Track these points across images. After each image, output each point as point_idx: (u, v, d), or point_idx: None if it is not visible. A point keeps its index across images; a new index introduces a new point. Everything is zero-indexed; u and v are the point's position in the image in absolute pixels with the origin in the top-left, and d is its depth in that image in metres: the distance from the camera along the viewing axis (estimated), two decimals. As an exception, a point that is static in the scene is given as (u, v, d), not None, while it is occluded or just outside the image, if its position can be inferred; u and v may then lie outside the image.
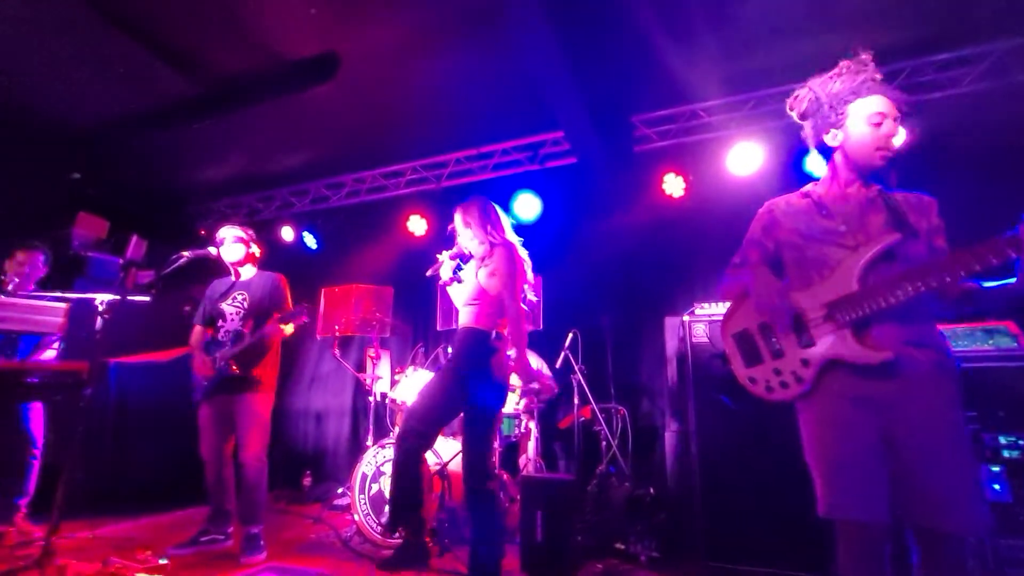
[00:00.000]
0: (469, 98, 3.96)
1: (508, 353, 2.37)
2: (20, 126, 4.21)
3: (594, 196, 4.65)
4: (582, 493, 3.33)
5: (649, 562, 2.92)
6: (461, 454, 2.27)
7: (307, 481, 4.79)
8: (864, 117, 1.50)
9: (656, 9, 3.06)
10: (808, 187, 1.69)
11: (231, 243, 3.19)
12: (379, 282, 4.84)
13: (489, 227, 2.47)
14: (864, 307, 1.40)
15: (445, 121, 4.30)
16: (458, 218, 2.54)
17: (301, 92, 3.66)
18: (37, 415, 3.20)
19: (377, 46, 3.41)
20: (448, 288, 2.61)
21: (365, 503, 3.18)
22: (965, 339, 2.48)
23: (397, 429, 3.59)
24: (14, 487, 3.09)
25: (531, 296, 2.57)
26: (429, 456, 3.04)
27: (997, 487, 2.28)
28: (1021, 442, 2.32)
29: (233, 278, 3.26)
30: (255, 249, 3.29)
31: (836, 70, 1.56)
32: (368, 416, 4.01)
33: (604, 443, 3.61)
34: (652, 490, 3.16)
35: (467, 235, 2.50)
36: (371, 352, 4.12)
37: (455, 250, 2.55)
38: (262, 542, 2.93)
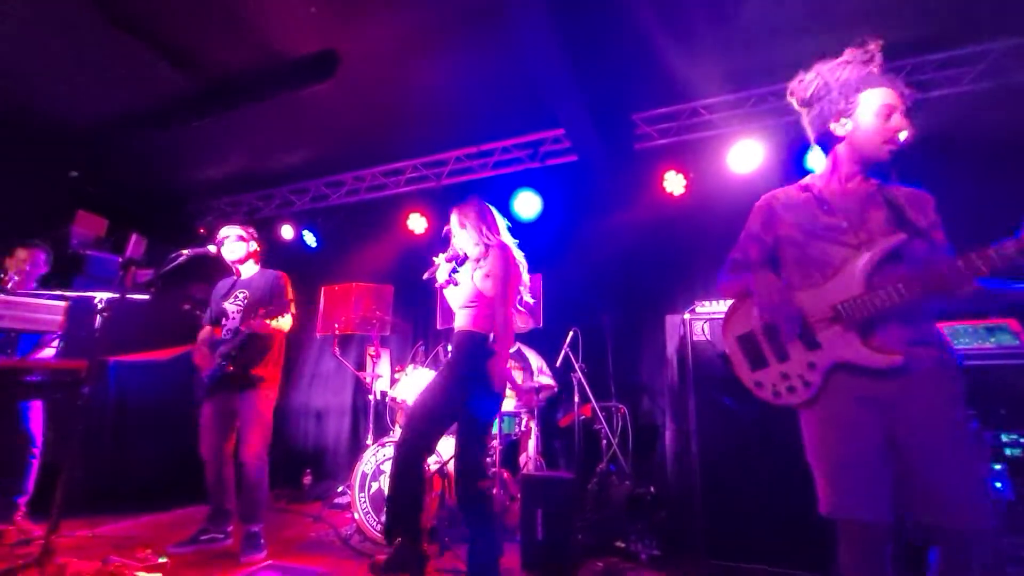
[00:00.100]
0: (469, 96, 3.95)
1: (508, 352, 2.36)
2: (20, 125, 4.20)
3: (594, 194, 4.65)
4: (582, 491, 3.33)
5: (650, 560, 2.92)
6: (454, 455, 2.26)
7: (307, 480, 4.79)
8: (874, 108, 1.48)
9: (656, 7, 3.05)
10: (807, 179, 1.65)
11: (232, 242, 3.19)
12: (379, 280, 4.84)
13: (484, 228, 2.46)
14: (872, 310, 1.39)
15: (445, 119, 4.30)
16: (454, 219, 2.53)
17: (301, 90, 3.65)
18: (36, 414, 3.19)
19: (377, 44, 3.41)
20: (444, 291, 2.59)
21: (365, 501, 3.18)
22: (967, 337, 2.47)
23: (397, 428, 3.59)
24: (13, 486, 3.09)
25: (527, 297, 2.55)
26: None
27: (999, 485, 2.28)
28: (1023, 440, 2.32)
29: (236, 277, 3.28)
30: (256, 247, 3.29)
31: (844, 57, 1.54)
32: (368, 415, 4.01)
33: (604, 441, 3.61)
34: (652, 488, 3.16)
35: (463, 236, 2.49)
36: (371, 350, 4.11)
37: (451, 252, 2.54)
38: (262, 541, 2.92)
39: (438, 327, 4.96)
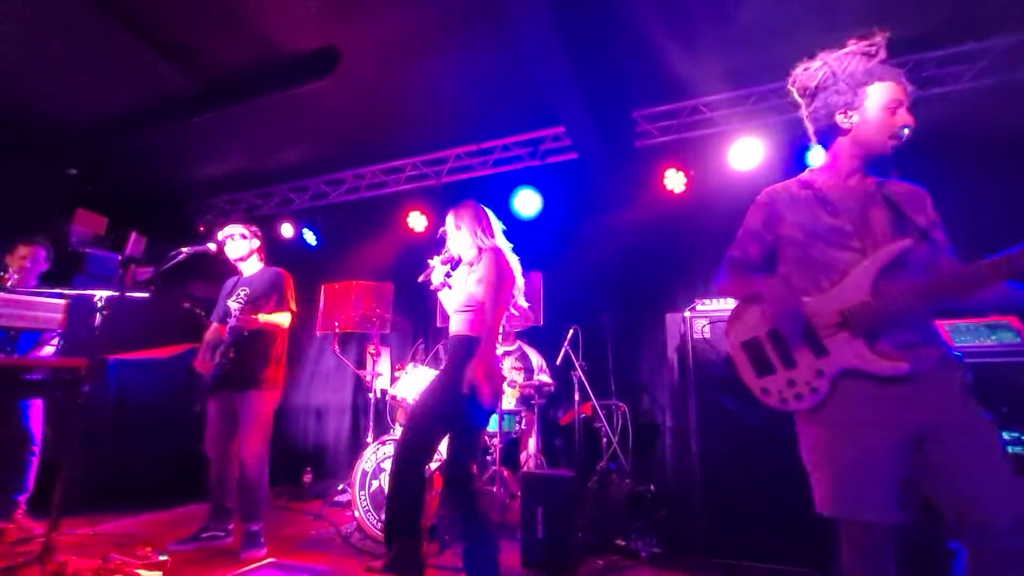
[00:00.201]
0: (469, 94, 3.94)
1: (499, 352, 2.34)
2: (20, 124, 4.19)
3: (595, 192, 4.64)
4: (583, 489, 3.33)
5: (650, 558, 2.93)
6: (445, 459, 2.26)
7: (307, 478, 4.80)
8: (881, 102, 1.46)
9: (657, 4, 3.04)
10: (806, 175, 1.63)
11: (233, 240, 3.21)
12: (379, 278, 4.83)
13: (479, 231, 2.45)
14: (881, 317, 1.38)
15: (445, 117, 4.28)
16: (450, 221, 2.53)
17: (301, 87, 3.65)
18: (36, 412, 3.20)
19: (377, 42, 3.40)
20: (439, 294, 2.59)
21: (365, 500, 3.18)
22: (968, 334, 2.47)
23: (398, 426, 3.59)
24: (13, 483, 3.10)
25: (521, 301, 2.55)
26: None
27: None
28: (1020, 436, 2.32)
29: (240, 275, 3.30)
30: (259, 244, 3.30)
31: (849, 48, 1.52)
32: (368, 413, 4.01)
33: (605, 440, 3.61)
34: (653, 487, 3.16)
35: (457, 238, 2.49)
36: (371, 348, 4.11)
37: (446, 254, 2.53)
38: (262, 539, 2.93)
39: (438, 325, 4.96)
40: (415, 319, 5.24)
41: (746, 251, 1.66)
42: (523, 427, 3.76)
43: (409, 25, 3.25)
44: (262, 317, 3.00)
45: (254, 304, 3.08)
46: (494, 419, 3.53)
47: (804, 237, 1.53)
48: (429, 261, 2.55)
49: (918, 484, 1.36)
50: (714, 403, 2.82)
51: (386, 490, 3.08)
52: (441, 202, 4.85)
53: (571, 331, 3.74)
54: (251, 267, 3.29)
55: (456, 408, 2.19)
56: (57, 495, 2.14)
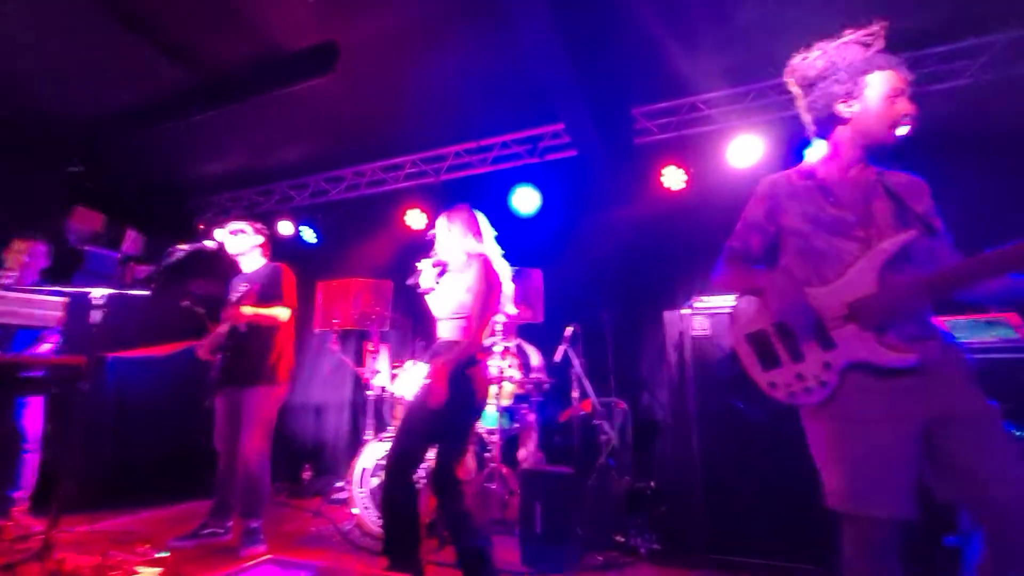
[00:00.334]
0: (468, 91, 3.94)
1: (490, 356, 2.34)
2: (20, 122, 4.19)
3: (594, 189, 4.63)
4: (582, 486, 3.33)
5: (649, 554, 2.93)
6: (434, 465, 2.26)
7: (307, 475, 4.80)
8: (882, 91, 1.46)
9: (656, 1, 3.03)
10: (806, 165, 1.62)
11: (231, 236, 3.21)
12: (378, 276, 4.82)
13: (470, 237, 2.45)
14: (889, 309, 1.37)
15: (444, 114, 4.28)
16: (441, 224, 2.52)
17: (301, 84, 3.64)
18: (35, 410, 3.18)
19: (376, 38, 3.40)
20: (427, 297, 2.58)
21: (364, 497, 3.18)
22: (966, 330, 2.46)
23: (396, 423, 3.59)
24: (5, 480, 3.08)
25: (509, 308, 2.55)
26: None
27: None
28: (1020, 434, 2.32)
29: (243, 271, 3.30)
30: (261, 240, 3.30)
31: (847, 38, 1.51)
32: (367, 410, 4.01)
33: (604, 436, 3.60)
34: (652, 483, 3.16)
35: (447, 243, 2.49)
36: (370, 346, 4.11)
37: (436, 257, 2.53)
38: (262, 535, 2.93)
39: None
40: (414, 317, 5.22)
41: (747, 242, 1.65)
42: (522, 424, 3.75)
43: (409, 22, 3.24)
44: (250, 309, 2.98)
45: (252, 299, 3.07)
46: (494, 417, 3.53)
47: (808, 227, 1.52)
48: (417, 265, 2.55)
49: (926, 476, 1.36)
50: (714, 400, 2.82)
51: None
52: (440, 200, 4.84)
53: (570, 328, 3.73)
54: (253, 263, 3.28)
55: (441, 416, 2.19)
56: (57, 492, 2.14)
